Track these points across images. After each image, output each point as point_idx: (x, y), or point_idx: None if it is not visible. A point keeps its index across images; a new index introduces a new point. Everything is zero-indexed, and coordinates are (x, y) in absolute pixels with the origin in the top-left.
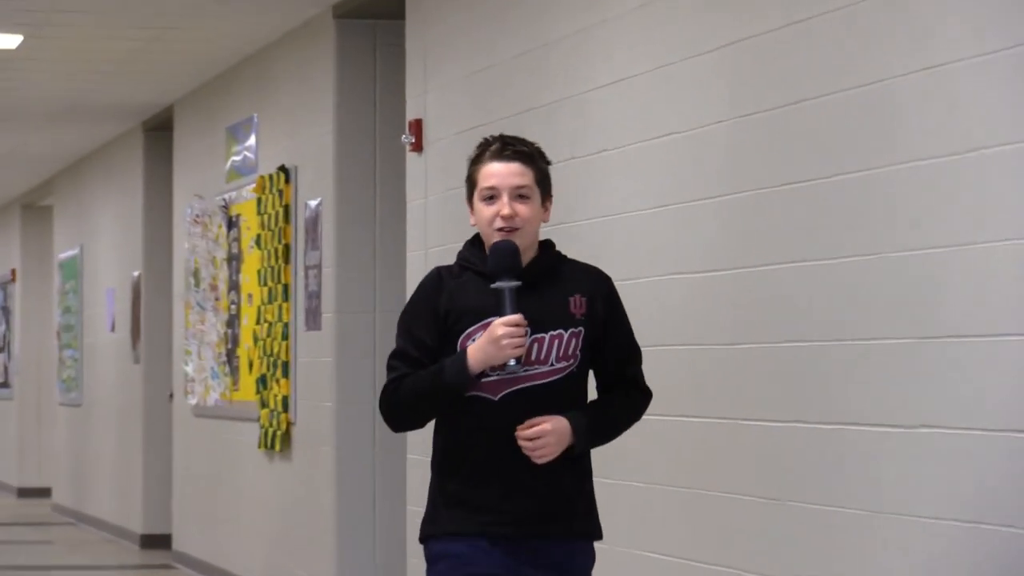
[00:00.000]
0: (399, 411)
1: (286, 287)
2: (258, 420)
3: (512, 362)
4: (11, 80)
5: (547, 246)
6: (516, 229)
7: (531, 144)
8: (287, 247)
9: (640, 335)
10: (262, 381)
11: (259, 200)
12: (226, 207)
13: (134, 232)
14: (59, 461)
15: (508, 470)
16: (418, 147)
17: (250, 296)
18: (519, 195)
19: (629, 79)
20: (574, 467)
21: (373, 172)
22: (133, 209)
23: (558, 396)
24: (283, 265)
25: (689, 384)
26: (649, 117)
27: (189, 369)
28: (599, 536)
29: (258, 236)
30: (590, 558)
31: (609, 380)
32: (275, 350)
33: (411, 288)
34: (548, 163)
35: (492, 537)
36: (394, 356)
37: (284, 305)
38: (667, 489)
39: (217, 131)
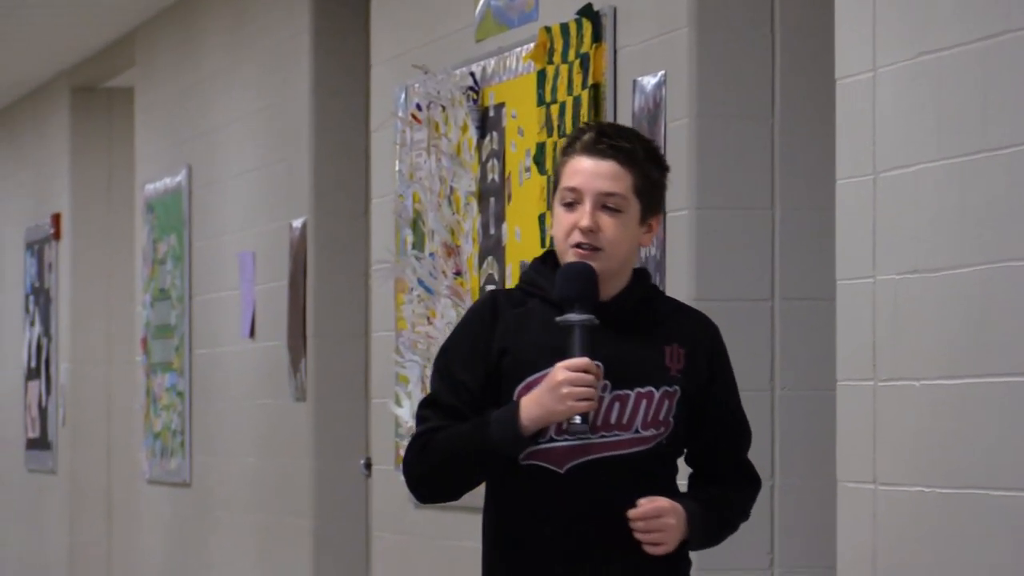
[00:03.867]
0: (427, 475)
1: None
2: None
3: (577, 419)
4: None
5: (640, 276)
6: (597, 249)
7: (641, 140)
8: None
9: None
10: None
11: (541, 76)
12: (476, 91)
13: (293, 142)
14: None
15: (578, 568)
16: None
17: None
18: (606, 205)
19: None
20: (675, 573)
21: (770, 16)
22: (291, 94)
23: (642, 474)
24: None
25: None
26: None
27: (403, 413)
28: None
29: (540, 148)
30: None
31: (712, 466)
32: None
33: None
34: (664, 168)
35: None
36: (425, 404)
37: None
38: None
39: None
